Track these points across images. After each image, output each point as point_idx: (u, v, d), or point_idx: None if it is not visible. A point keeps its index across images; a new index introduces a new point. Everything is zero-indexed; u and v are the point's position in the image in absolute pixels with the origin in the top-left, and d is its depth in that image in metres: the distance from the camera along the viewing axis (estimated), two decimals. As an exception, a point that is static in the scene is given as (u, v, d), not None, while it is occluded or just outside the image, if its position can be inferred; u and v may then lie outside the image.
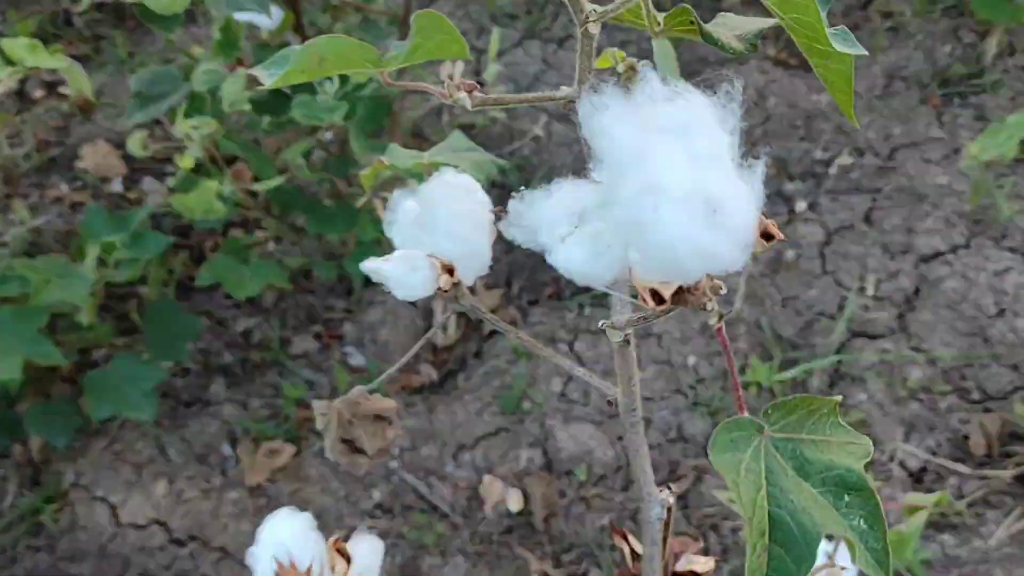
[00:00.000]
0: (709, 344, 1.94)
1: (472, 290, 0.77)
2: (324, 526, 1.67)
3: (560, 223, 0.44)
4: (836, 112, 2.37)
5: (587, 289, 2.03)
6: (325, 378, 1.88)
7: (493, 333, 1.96)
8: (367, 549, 0.70)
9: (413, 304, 2.01)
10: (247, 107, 1.45)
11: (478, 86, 0.54)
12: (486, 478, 1.74)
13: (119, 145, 2.12)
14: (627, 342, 0.59)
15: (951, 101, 2.35)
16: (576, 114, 0.54)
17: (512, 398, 1.83)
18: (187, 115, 1.43)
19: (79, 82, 1.51)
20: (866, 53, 0.48)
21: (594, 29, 0.49)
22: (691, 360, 1.91)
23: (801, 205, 2.19)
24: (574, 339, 1.94)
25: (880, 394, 1.85)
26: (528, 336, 0.72)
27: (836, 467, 0.42)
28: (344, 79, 1.59)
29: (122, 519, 1.69)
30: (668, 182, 0.39)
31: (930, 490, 1.72)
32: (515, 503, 1.72)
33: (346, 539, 0.74)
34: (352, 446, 0.76)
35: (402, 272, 0.65)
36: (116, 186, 1.99)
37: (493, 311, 2.02)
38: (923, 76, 2.39)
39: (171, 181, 1.69)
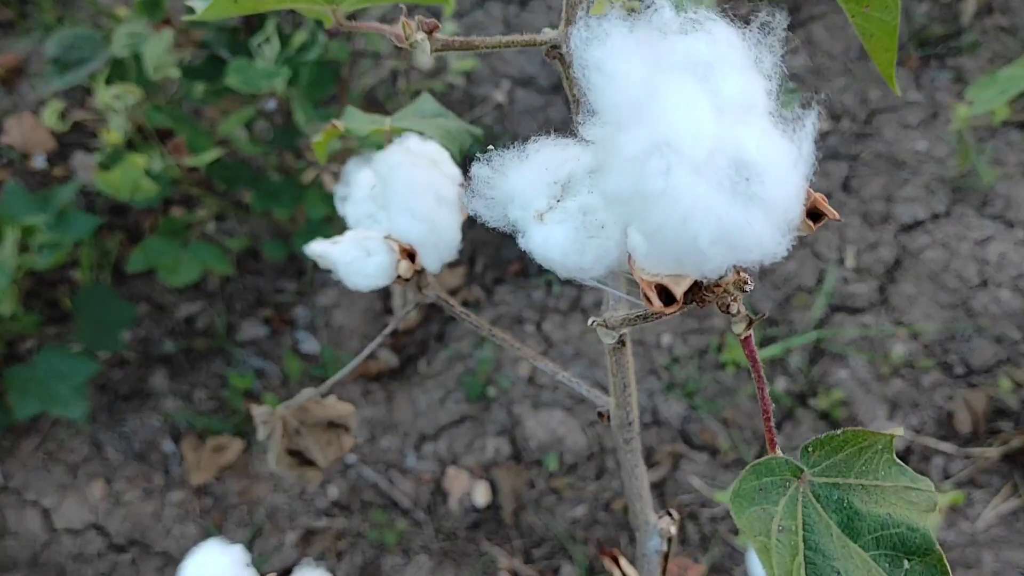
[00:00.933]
0: (684, 322, 1.84)
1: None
2: (276, 528, 1.55)
3: (538, 196, 0.33)
4: (811, 75, 2.27)
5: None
6: (275, 367, 1.75)
7: (451, 318, 1.84)
8: (306, 587, 0.59)
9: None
10: (175, 73, 1.30)
11: (437, 26, 0.42)
12: (450, 470, 1.63)
13: (47, 117, 1.96)
14: (622, 343, 0.48)
15: (928, 63, 2.25)
16: (562, 61, 0.41)
17: (477, 384, 1.72)
18: (108, 82, 1.29)
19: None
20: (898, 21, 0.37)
21: None
22: (665, 339, 1.81)
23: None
24: (541, 319, 1.83)
25: (862, 371, 1.77)
26: (494, 328, 0.60)
27: (895, 524, 0.32)
28: (285, 41, 1.45)
29: (56, 524, 1.56)
30: (685, 138, 0.28)
31: (916, 471, 1.64)
32: (482, 496, 1.61)
33: (286, 573, 0.62)
34: (301, 457, 0.64)
35: (354, 257, 0.53)
36: (39, 162, 1.83)
37: (454, 292, 1.90)
38: (900, 37, 2.29)
39: (97, 156, 1.54)
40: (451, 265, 2.00)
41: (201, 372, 1.74)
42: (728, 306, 0.33)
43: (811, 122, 0.30)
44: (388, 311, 1.87)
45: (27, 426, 1.64)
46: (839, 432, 0.33)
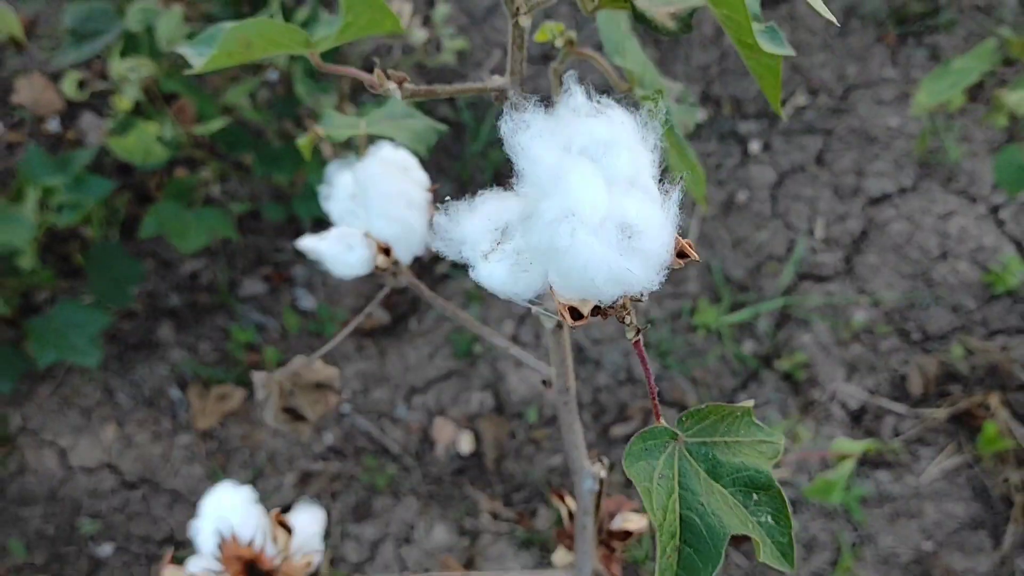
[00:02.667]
0: (659, 287, 1.95)
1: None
2: (276, 470, 1.68)
3: (483, 240, 0.44)
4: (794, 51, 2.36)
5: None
6: (275, 321, 1.87)
7: (445, 277, 1.96)
8: (308, 520, 0.71)
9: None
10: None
11: (406, 78, 0.53)
12: (437, 420, 1.76)
13: (56, 78, 2.05)
14: (559, 326, 0.59)
15: (906, 40, 2.34)
16: (510, 105, 0.53)
17: (464, 342, 1.84)
18: (122, 55, 1.38)
19: (7, 21, 1.44)
20: (793, 54, 0.47)
21: (525, 22, 0.48)
22: (641, 304, 1.93)
23: (755, 146, 2.19)
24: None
25: (824, 336, 1.89)
26: (462, 313, 0.72)
27: (746, 468, 0.43)
28: (288, 16, 1.54)
29: (72, 463, 1.69)
30: (584, 209, 0.39)
31: (868, 430, 1.77)
32: (466, 445, 1.74)
33: (286, 510, 0.74)
34: (294, 414, 0.76)
35: (339, 251, 0.64)
36: (53, 125, 1.93)
37: (435, 262, 2.01)
38: (880, 14, 2.38)
39: (110, 122, 1.64)
40: (437, 258, 2.11)
41: (205, 325, 1.86)
42: (623, 318, 0.44)
43: (676, 194, 0.41)
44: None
45: (43, 373, 1.76)
46: (704, 406, 0.45)
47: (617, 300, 0.42)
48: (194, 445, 1.71)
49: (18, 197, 1.60)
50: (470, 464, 1.73)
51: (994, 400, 1.78)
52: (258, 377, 0.76)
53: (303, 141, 0.73)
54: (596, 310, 0.43)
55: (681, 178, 0.41)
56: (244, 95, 1.56)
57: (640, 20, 0.57)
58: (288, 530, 0.66)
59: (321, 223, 2.12)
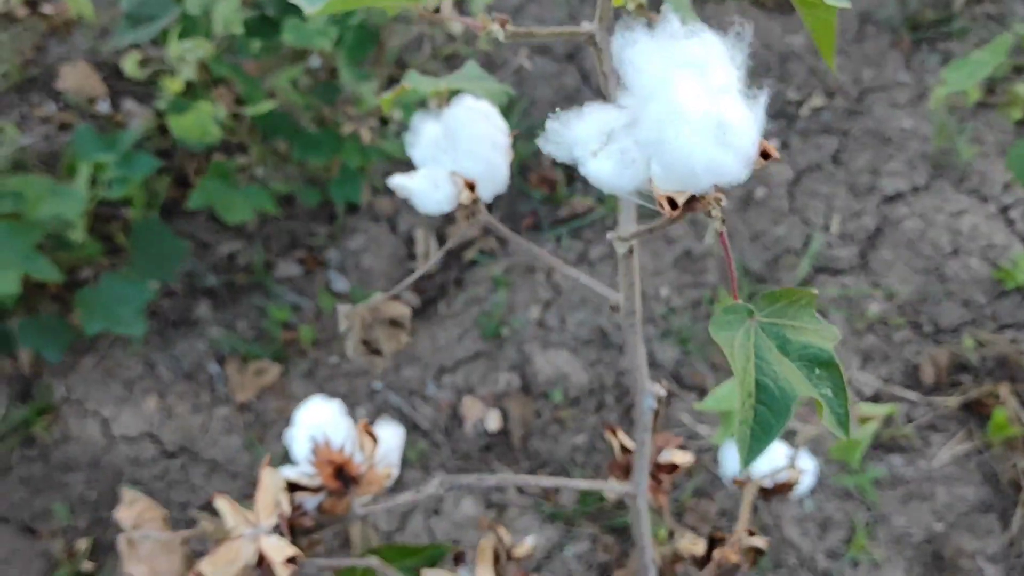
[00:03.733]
0: (680, 277, 2.02)
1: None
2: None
3: (592, 140, 0.50)
4: (810, 54, 2.43)
5: (563, 221, 2.09)
6: (310, 302, 1.93)
7: (474, 263, 2.02)
8: (390, 433, 0.77)
9: (394, 232, 2.06)
10: (239, 30, 1.47)
11: (508, 20, 0.59)
12: (466, 399, 1.82)
13: (98, 65, 2.12)
14: (631, 251, 0.65)
15: (920, 46, 2.42)
16: (596, 47, 0.60)
17: (491, 324, 1.90)
18: (181, 37, 1.45)
19: (80, 3, 1.51)
20: (848, 6, 0.53)
21: None
22: (664, 292, 1.99)
23: (773, 145, 2.26)
24: (551, 269, 2.00)
25: (840, 326, 1.95)
26: (534, 247, 0.78)
27: (811, 347, 0.49)
28: (333, 6, 1.61)
29: (114, 432, 1.75)
30: (688, 109, 0.46)
31: (886, 417, 1.83)
32: (494, 422, 1.80)
33: (370, 423, 0.80)
34: (370, 347, 0.82)
35: (427, 188, 0.71)
36: (103, 107, 2.00)
37: (472, 242, 2.08)
38: (894, 20, 2.45)
39: (160, 103, 1.71)
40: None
41: (242, 304, 1.92)
42: (710, 212, 0.51)
43: (763, 98, 0.48)
44: (411, 257, 2.05)
45: (87, 346, 1.82)
46: (777, 290, 0.51)
47: (709, 192, 0.48)
48: (232, 417, 1.77)
49: (70, 173, 1.67)
50: (497, 441, 1.79)
51: (1004, 389, 1.84)
52: (342, 309, 0.82)
53: (388, 96, 0.79)
54: (690, 201, 0.49)
55: (766, 87, 0.47)
56: (289, 80, 1.63)
57: None
58: (374, 439, 0.72)
59: (353, 208, 2.19)
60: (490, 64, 2.26)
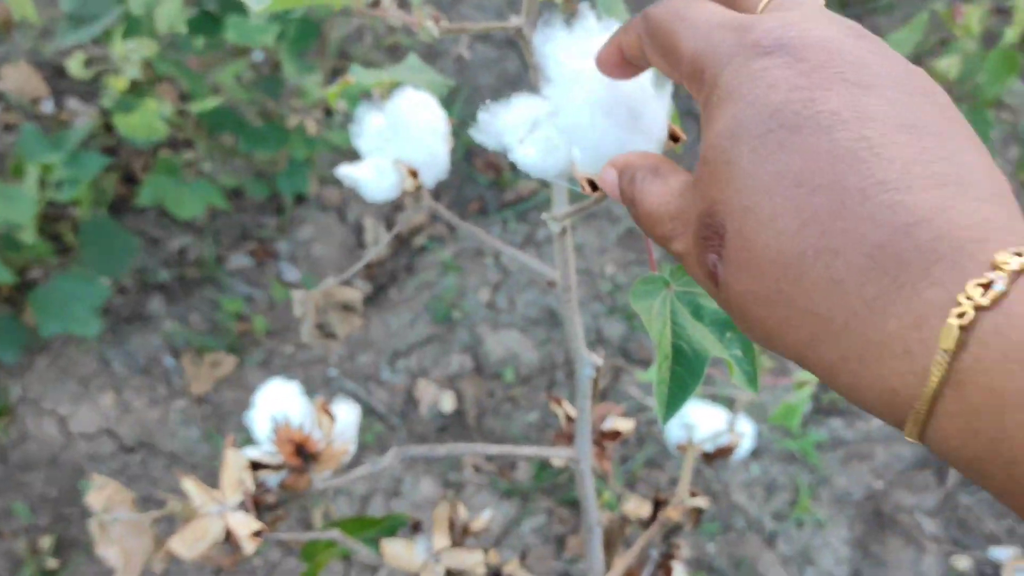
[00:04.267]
0: (625, 254, 2.08)
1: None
2: (270, 429, 1.77)
3: (518, 129, 0.55)
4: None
5: (509, 204, 2.14)
6: (263, 292, 1.96)
7: (423, 248, 2.06)
8: (346, 412, 0.81)
9: (343, 221, 2.09)
10: (182, 30, 1.49)
11: (440, 17, 0.63)
12: (420, 382, 1.87)
13: (40, 66, 2.11)
14: (564, 231, 0.70)
15: (847, 24, 2.50)
16: (524, 39, 0.64)
17: (442, 308, 1.95)
18: (125, 36, 1.47)
19: (22, 5, 1.52)
20: None
21: None
22: (609, 270, 2.05)
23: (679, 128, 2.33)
24: (499, 252, 2.05)
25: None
26: (480, 231, 0.82)
27: (722, 312, 0.54)
28: None
29: (71, 429, 1.76)
30: (600, 97, 0.51)
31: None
32: (448, 404, 1.85)
33: (327, 402, 0.84)
34: (324, 331, 0.86)
35: (372, 177, 0.75)
36: (47, 107, 2.00)
37: (421, 228, 2.12)
38: None
39: (104, 101, 1.72)
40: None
41: (195, 298, 1.94)
42: None
43: (669, 87, 0.53)
44: (361, 245, 2.09)
45: (41, 346, 1.83)
46: None
47: None
48: (189, 409, 1.80)
49: (17, 174, 1.67)
50: (452, 421, 1.84)
51: (934, 351, 1.94)
52: (297, 295, 0.86)
53: (333, 89, 0.83)
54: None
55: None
56: (233, 76, 1.65)
57: None
58: (331, 417, 0.76)
59: (302, 199, 2.20)
60: (432, 54, 2.30)
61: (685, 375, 0.52)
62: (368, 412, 1.84)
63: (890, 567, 1.72)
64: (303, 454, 0.73)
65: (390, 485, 1.77)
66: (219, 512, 0.69)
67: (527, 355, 1.92)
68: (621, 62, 0.45)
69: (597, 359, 0.76)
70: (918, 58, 2.33)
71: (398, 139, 0.75)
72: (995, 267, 0.26)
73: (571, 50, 0.52)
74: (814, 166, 0.29)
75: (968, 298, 0.25)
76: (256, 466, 0.72)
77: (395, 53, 2.25)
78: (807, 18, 0.34)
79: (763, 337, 0.32)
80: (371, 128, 0.78)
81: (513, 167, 0.58)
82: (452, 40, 2.37)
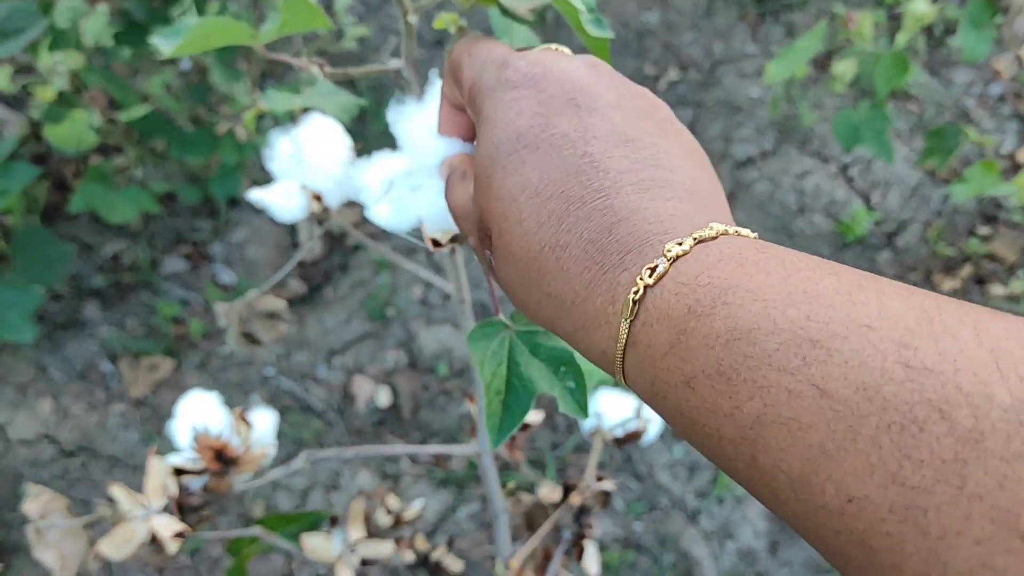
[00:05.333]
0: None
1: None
2: (209, 429, 1.81)
3: (375, 187, 0.58)
4: (664, 31, 2.58)
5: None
6: (198, 296, 2.00)
7: (357, 248, 2.11)
8: (263, 418, 0.87)
9: (276, 223, 2.13)
10: (108, 43, 1.52)
11: (326, 64, 0.69)
12: (356, 378, 1.92)
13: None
14: (452, 251, 0.77)
15: (764, 19, 2.60)
16: (404, 81, 0.70)
17: (377, 306, 2.00)
18: (51, 49, 1.49)
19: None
20: (612, 36, 0.65)
21: (412, 20, 0.64)
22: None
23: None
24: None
25: (700, 285, 2.12)
26: (386, 248, 0.89)
27: (557, 349, 0.59)
28: (200, 8, 1.67)
29: (10, 436, 1.79)
30: (430, 168, 0.55)
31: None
32: (384, 398, 1.91)
33: (244, 411, 0.90)
34: (250, 338, 0.91)
35: (281, 200, 0.81)
36: (-28, 118, 2.00)
37: (355, 226, 2.17)
38: (740, -4, 2.63)
39: (34, 112, 1.73)
40: (352, 204, 2.26)
41: (131, 303, 1.97)
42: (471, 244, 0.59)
43: None
44: (295, 245, 2.13)
45: (-25, 354, 1.85)
46: None
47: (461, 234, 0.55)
48: (128, 413, 1.83)
49: (-56, 187, 1.68)
50: (388, 416, 1.90)
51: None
52: (220, 307, 0.91)
53: (248, 115, 0.88)
54: (453, 240, 0.56)
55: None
56: (161, 85, 1.68)
57: (505, 14, 0.74)
58: (248, 424, 0.82)
59: (235, 202, 2.24)
60: (359, 60, 2.34)
61: (515, 407, 0.57)
62: (306, 409, 1.89)
63: (805, 538, 1.82)
64: (223, 459, 0.79)
65: (329, 479, 1.83)
66: (145, 516, 0.74)
67: (460, 349, 1.98)
68: (452, 112, 0.50)
69: (495, 362, 0.83)
70: (829, 59, 2.44)
71: (304, 165, 0.81)
72: (663, 255, 0.33)
73: (420, 124, 0.56)
74: (548, 178, 0.36)
75: (640, 279, 0.33)
76: (179, 472, 0.78)
77: (327, 57, 2.29)
78: (551, 56, 0.42)
79: (528, 314, 0.40)
80: (282, 152, 0.84)
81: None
82: (381, 40, 2.42)
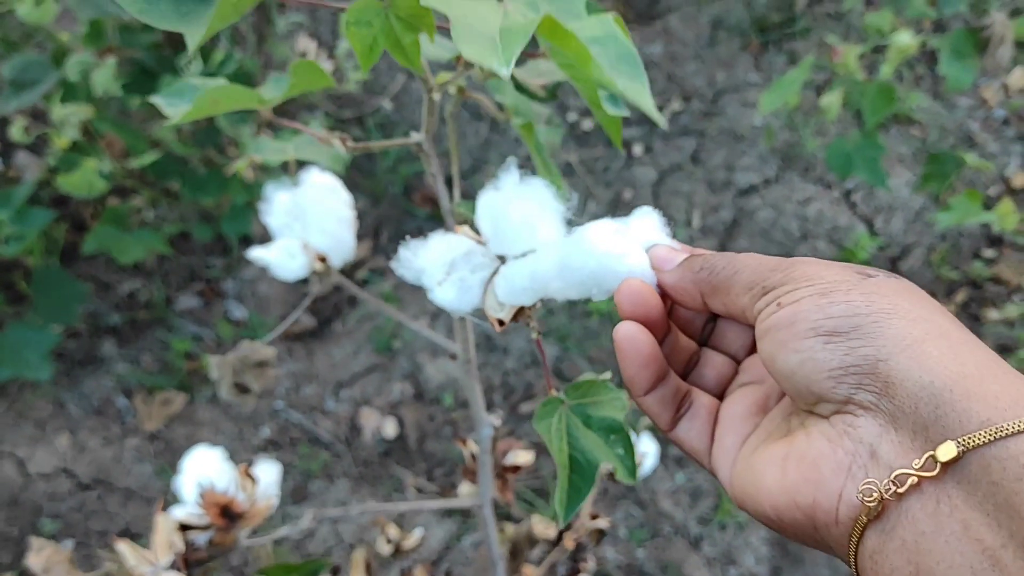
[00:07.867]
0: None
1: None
2: (219, 462, 1.86)
3: (436, 270, 0.57)
4: (668, 62, 2.62)
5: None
6: (210, 331, 2.05)
7: (364, 283, 2.16)
8: (267, 472, 0.90)
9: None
10: (117, 93, 1.58)
11: (350, 138, 0.72)
12: (363, 410, 1.97)
13: (-11, 121, 2.20)
14: (462, 319, 0.80)
15: (767, 48, 2.63)
16: (424, 154, 0.71)
17: (384, 339, 2.05)
18: (62, 101, 1.56)
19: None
20: (628, 115, 0.66)
21: (436, 96, 0.66)
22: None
23: (637, 149, 2.45)
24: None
25: (702, 313, 2.15)
26: (386, 305, 0.93)
27: (607, 419, 0.60)
28: (206, 56, 1.74)
29: (30, 470, 1.85)
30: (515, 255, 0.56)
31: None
32: (390, 429, 1.95)
33: (249, 466, 0.94)
34: (242, 388, 0.96)
35: (283, 259, 0.84)
36: (-5, 164, 2.09)
37: (363, 262, 2.22)
38: (743, 25, 2.66)
39: (50, 160, 1.81)
40: (360, 238, 2.31)
41: (146, 339, 2.03)
42: (528, 323, 0.59)
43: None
44: (305, 281, 2.18)
45: (-3, 391, 1.92)
46: (580, 380, 0.62)
47: (526, 310, 0.58)
48: (142, 447, 1.89)
49: (-35, 232, 1.76)
50: (395, 446, 1.94)
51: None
52: (214, 359, 0.96)
53: (240, 165, 0.93)
54: (516, 316, 0.58)
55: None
56: (171, 129, 1.75)
57: (519, 90, 0.77)
58: (253, 480, 0.85)
59: (247, 240, 2.31)
60: (359, 102, 2.40)
61: (580, 482, 0.60)
62: (314, 441, 1.94)
63: (807, 564, 1.83)
64: (228, 514, 0.83)
65: (336, 507, 1.87)
66: (153, 572, 0.78)
67: (465, 380, 2.02)
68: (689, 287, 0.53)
69: (496, 420, 0.87)
70: (817, 92, 2.46)
71: (305, 222, 0.83)
72: None
73: (512, 211, 0.55)
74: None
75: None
76: (185, 527, 0.81)
77: (330, 99, 2.35)
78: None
79: None
80: (280, 207, 0.87)
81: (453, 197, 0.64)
82: (388, 77, 2.48)
